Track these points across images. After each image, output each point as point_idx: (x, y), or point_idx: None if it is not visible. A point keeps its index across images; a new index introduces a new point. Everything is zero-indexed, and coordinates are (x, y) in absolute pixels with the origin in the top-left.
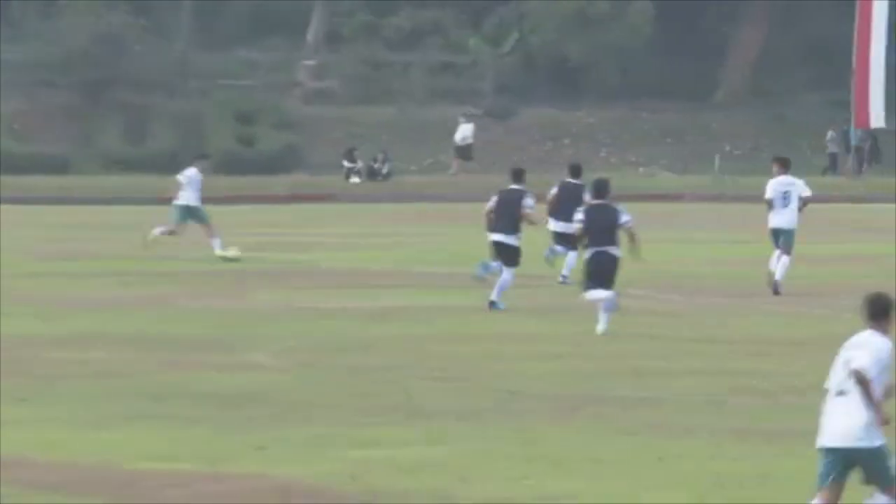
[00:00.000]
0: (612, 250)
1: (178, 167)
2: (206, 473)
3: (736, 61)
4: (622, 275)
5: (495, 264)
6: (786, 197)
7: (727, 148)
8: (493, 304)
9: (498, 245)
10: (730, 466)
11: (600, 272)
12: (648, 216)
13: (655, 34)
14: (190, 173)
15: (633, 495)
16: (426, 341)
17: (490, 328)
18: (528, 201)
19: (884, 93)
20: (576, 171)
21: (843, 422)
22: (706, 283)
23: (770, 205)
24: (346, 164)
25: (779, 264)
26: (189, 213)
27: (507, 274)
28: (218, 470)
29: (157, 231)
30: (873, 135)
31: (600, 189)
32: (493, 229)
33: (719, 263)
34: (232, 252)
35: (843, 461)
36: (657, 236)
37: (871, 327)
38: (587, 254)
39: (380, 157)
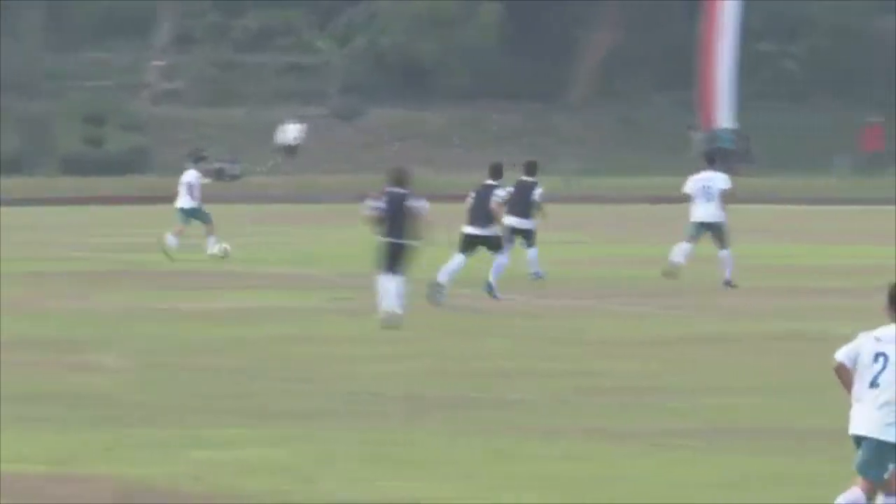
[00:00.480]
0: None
1: (24, 168)
2: (52, 474)
3: (586, 62)
4: (470, 277)
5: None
6: (707, 191)
7: (577, 149)
8: (490, 287)
9: (478, 238)
10: (582, 467)
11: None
12: None
13: (506, 35)
14: (188, 177)
15: (482, 496)
16: (274, 343)
17: (339, 330)
18: (500, 192)
19: (730, 93)
20: (531, 167)
21: (871, 412)
22: (556, 284)
23: (691, 199)
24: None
25: (720, 261)
26: (185, 213)
27: (501, 258)
28: (64, 471)
29: (214, 248)
30: (747, 135)
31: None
32: (471, 223)
33: (568, 264)
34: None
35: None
36: None
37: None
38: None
39: (227, 157)
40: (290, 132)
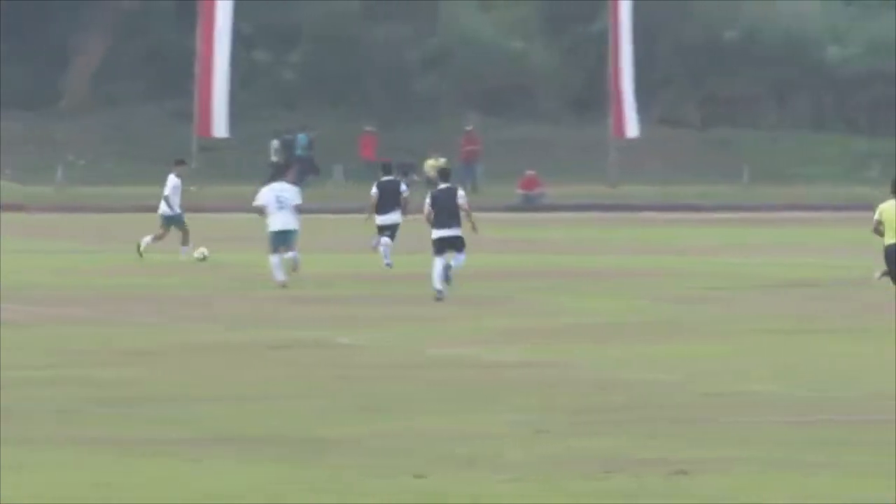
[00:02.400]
0: None
1: None
2: None
3: (78, 69)
4: None
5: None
6: (280, 201)
7: (71, 157)
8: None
9: (449, 239)
10: (84, 476)
11: None
12: None
13: (1, 42)
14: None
15: None
16: None
17: None
18: (461, 192)
19: (226, 102)
20: (387, 168)
21: None
22: (56, 294)
23: (263, 211)
24: None
25: (286, 259)
26: (171, 220)
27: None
28: None
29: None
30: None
31: None
32: (439, 226)
33: (67, 274)
34: (199, 252)
35: None
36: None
37: None
38: None
39: None
40: None
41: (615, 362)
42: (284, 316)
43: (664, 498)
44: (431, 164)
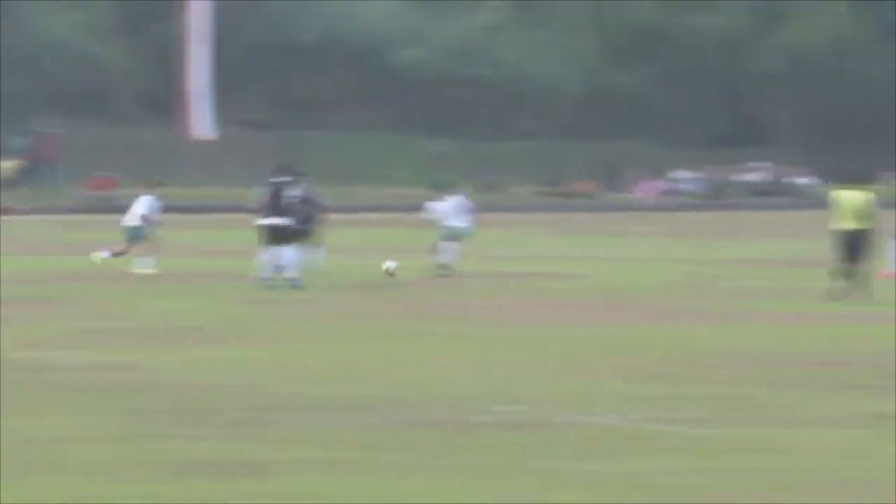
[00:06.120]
0: None
1: None
2: None
3: None
4: None
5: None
6: None
7: None
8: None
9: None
10: None
11: None
12: None
13: None
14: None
15: None
16: None
17: None
18: None
19: None
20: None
21: None
22: None
23: None
24: None
25: None
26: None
27: None
28: None
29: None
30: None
31: None
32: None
33: None
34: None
35: None
36: None
37: None
38: None
39: None
40: None
41: (190, 364)
42: None
43: (246, 499)
44: (7, 167)
